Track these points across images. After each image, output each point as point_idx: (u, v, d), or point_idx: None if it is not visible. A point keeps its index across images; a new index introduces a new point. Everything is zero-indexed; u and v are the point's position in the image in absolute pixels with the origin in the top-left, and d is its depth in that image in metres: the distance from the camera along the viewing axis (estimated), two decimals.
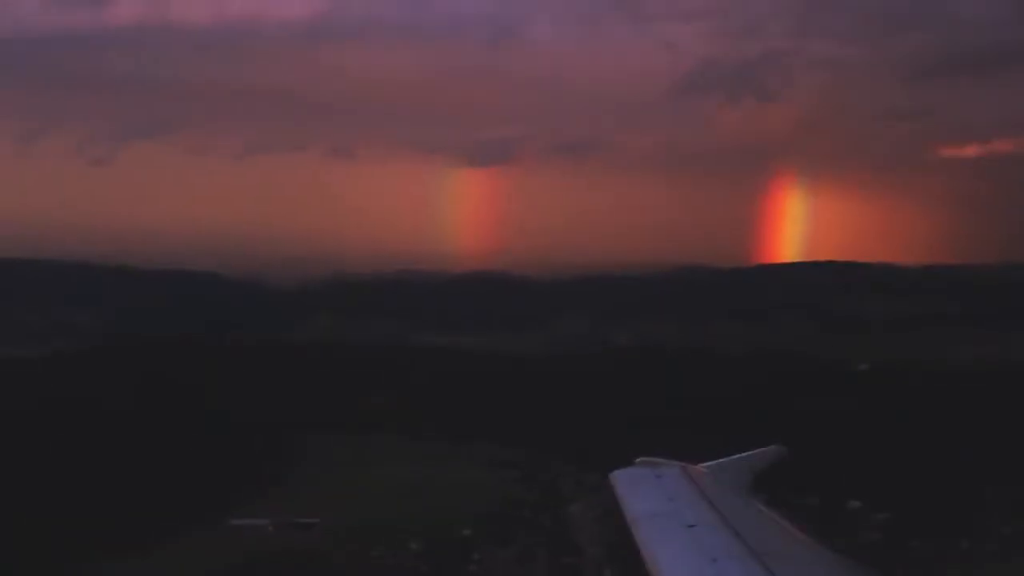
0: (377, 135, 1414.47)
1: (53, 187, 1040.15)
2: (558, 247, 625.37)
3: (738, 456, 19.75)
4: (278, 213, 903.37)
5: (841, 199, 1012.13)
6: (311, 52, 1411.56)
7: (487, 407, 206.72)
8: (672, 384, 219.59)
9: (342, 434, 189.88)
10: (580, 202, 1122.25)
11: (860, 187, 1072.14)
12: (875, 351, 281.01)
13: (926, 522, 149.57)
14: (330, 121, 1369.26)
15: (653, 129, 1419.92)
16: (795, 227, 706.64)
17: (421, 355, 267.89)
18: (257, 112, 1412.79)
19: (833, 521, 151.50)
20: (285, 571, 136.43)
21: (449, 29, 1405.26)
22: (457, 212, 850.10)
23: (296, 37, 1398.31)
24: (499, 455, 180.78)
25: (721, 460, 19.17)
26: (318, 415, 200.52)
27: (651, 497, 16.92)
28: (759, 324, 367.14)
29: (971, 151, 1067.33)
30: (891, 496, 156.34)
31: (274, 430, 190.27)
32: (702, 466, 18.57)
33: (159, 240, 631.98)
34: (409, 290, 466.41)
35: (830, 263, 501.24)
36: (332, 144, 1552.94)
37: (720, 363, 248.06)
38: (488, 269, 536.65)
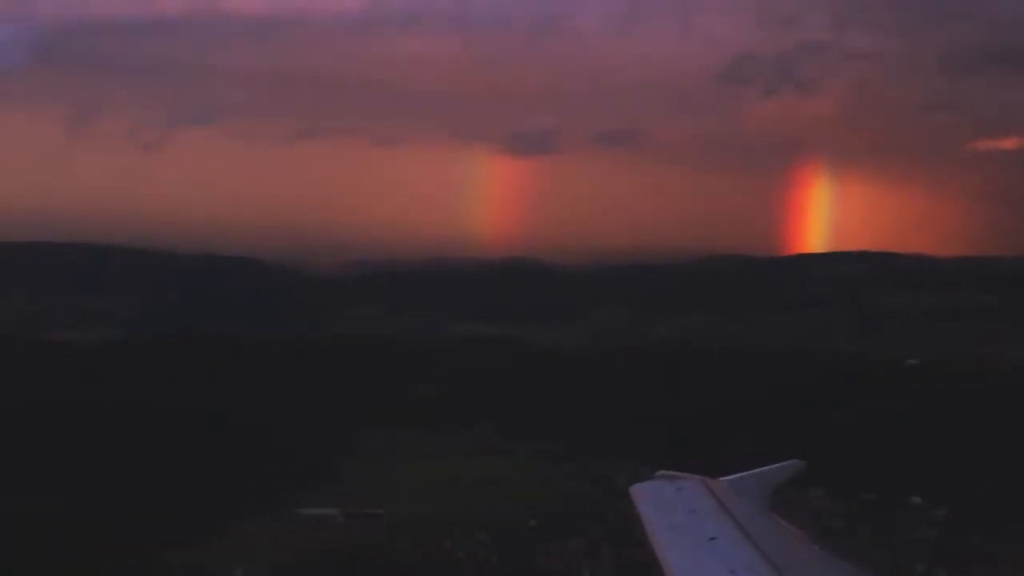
0: (420, 123, 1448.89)
1: (103, 172, 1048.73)
2: (595, 236, 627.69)
3: (758, 470, 20.20)
4: (320, 200, 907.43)
5: (876, 190, 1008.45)
6: (358, 41, 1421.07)
7: (535, 401, 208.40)
8: (720, 382, 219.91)
9: (397, 427, 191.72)
10: (618, 192, 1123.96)
11: (896, 179, 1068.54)
12: (921, 346, 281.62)
13: (985, 519, 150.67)
14: (374, 109, 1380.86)
15: (691, 119, 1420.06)
16: (829, 218, 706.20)
17: (465, 347, 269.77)
18: (303, 99, 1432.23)
19: (892, 517, 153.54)
20: (357, 561, 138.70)
21: (493, 19, 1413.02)
22: (496, 201, 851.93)
23: (343, 26, 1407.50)
24: (552, 449, 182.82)
25: (741, 474, 19.52)
26: (371, 408, 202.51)
27: (671, 510, 17.05)
28: (798, 317, 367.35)
29: (1008, 144, 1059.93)
30: (949, 493, 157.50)
31: (331, 422, 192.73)
32: (722, 479, 18.87)
33: (202, 225, 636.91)
34: (447, 279, 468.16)
35: (864, 253, 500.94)
36: (375, 132, 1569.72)
37: (766, 360, 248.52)
38: (526, 257, 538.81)
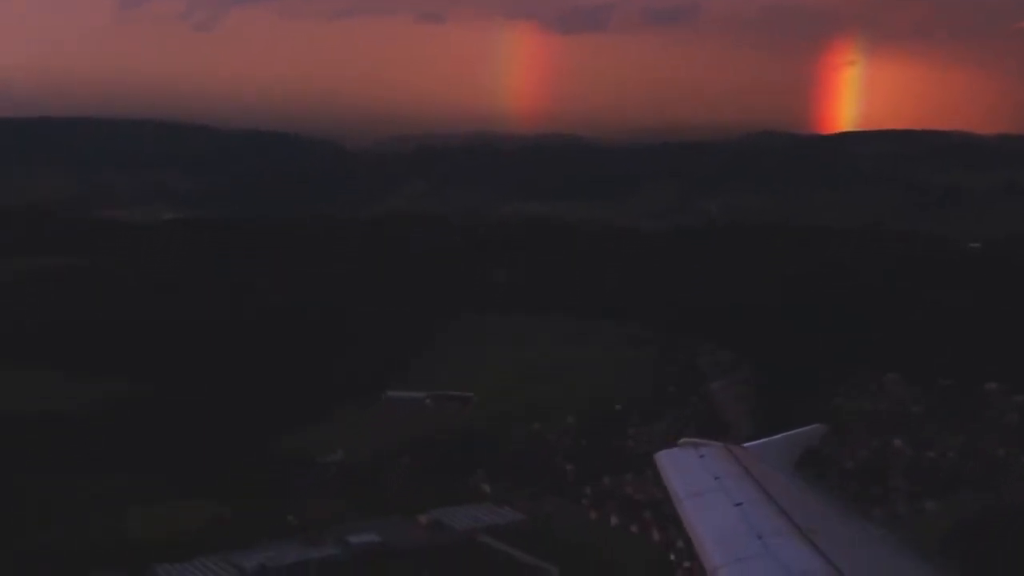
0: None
1: (156, 50, 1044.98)
2: (638, 114, 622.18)
3: (782, 435, 19.45)
4: (364, 75, 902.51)
5: (919, 68, 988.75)
6: None
7: (607, 283, 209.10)
8: (783, 262, 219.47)
9: (476, 312, 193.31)
10: (660, 68, 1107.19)
11: (940, 56, 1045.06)
12: (979, 226, 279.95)
13: None
14: None
15: None
16: (871, 95, 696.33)
17: (525, 227, 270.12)
18: None
19: (970, 403, 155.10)
20: (450, 443, 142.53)
21: None
22: (539, 78, 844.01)
23: None
24: (630, 332, 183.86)
25: (764, 439, 18.89)
26: (447, 293, 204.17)
27: (696, 476, 16.80)
28: (849, 195, 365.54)
29: None
30: None
31: (409, 308, 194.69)
32: (745, 445, 18.35)
33: (247, 102, 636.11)
34: (490, 154, 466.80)
35: (907, 132, 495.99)
36: (420, 7, 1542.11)
37: (826, 240, 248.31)
38: (569, 134, 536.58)
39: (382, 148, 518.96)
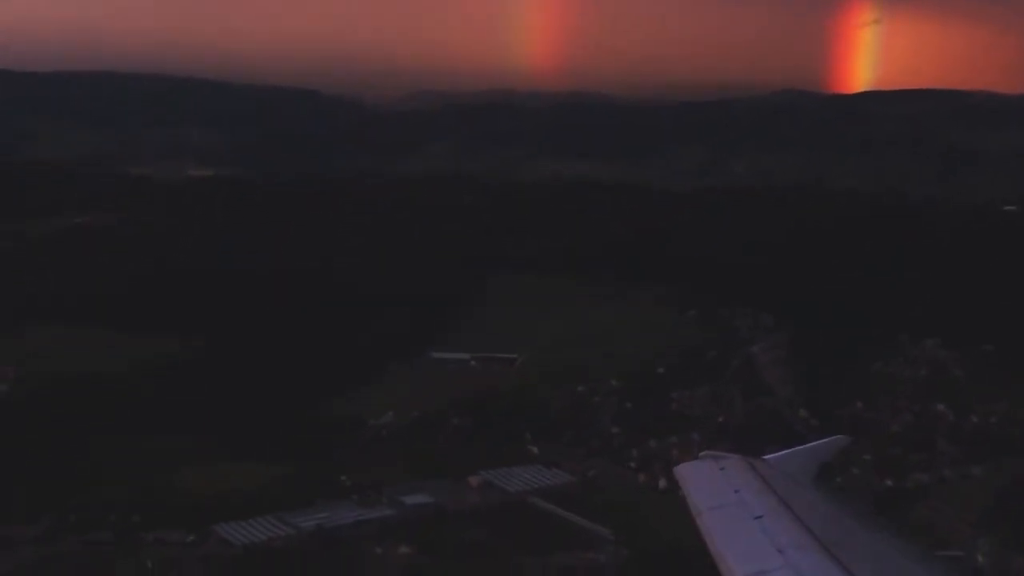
0: None
1: (176, 5, 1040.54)
2: (663, 70, 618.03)
3: (803, 447, 19.53)
4: (380, 30, 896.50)
5: (943, 26, 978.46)
6: None
7: (647, 245, 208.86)
8: (818, 224, 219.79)
9: (516, 274, 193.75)
10: (687, 26, 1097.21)
11: (964, 15, 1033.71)
12: (1007, 189, 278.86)
13: None
14: None
15: None
16: (895, 54, 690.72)
17: (559, 188, 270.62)
18: None
19: (1011, 368, 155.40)
20: (500, 405, 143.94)
21: None
22: (560, 33, 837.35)
23: None
24: (669, 295, 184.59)
25: (784, 451, 18.83)
26: (488, 254, 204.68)
27: (717, 489, 16.79)
28: (878, 156, 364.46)
29: None
30: None
31: (451, 268, 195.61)
32: (765, 458, 18.27)
33: (261, 58, 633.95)
34: (514, 112, 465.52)
35: (930, 91, 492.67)
36: None
37: (859, 202, 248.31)
38: (592, 91, 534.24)
39: (403, 105, 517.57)
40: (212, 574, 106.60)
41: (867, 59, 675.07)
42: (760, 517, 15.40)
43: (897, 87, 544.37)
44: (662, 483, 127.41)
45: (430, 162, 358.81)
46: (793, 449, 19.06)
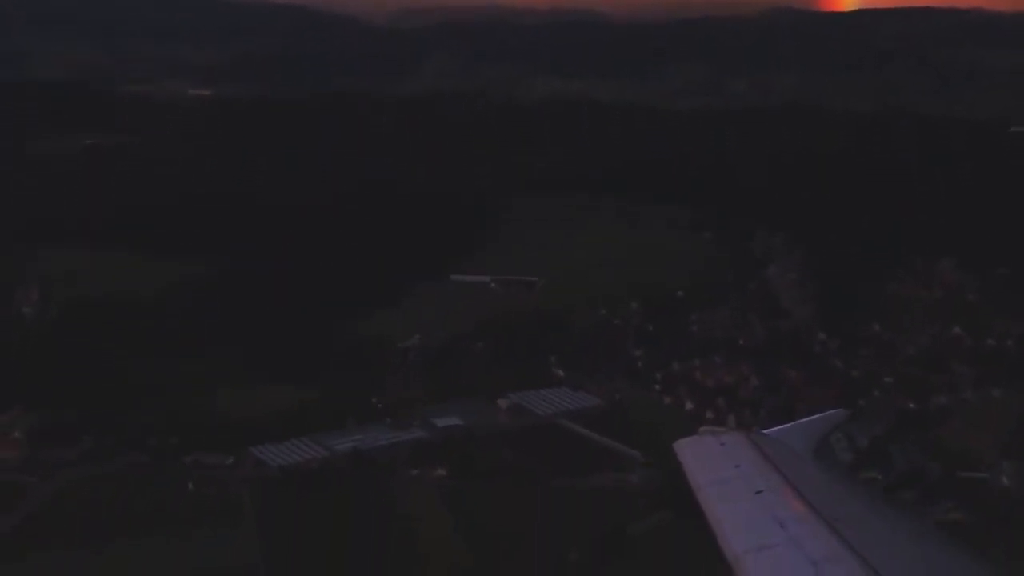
0: None
1: None
2: None
3: (803, 420, 19.53)
4: None
5: None
6: None
7: (658, 166, 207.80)
8: (824, 144, 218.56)
9: (530, 196, 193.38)
10: None
11: None
12: (1012, 106, 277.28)
13: None
14: None
15: None
16: None
17: (561, 107, 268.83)
18: None
19: None
20: (523, 327, 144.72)
21: None
22: None
23: None
24: (681, 215, 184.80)
25: (783, 426, 18.87)
26: (499, 175, 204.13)
27: (716, 465, 16.73)
28: (879, 75, 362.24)
29: None
30: None
31: (464, 189, 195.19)
32: (765, 432, 18.33)
33: None
34: (509, 30, 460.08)
35: (926, 8, 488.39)
36: None
37: (863, 123, 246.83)
38: (583, 9, 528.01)
39: (398, 22, 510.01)
40: (252, 496, 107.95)
41: None
42: (761, 492, 15.43)
43: (890, 4, 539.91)
44: (688, 405, 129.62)
45: (429, 81, 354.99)
46: (793, 423, 19.21)
